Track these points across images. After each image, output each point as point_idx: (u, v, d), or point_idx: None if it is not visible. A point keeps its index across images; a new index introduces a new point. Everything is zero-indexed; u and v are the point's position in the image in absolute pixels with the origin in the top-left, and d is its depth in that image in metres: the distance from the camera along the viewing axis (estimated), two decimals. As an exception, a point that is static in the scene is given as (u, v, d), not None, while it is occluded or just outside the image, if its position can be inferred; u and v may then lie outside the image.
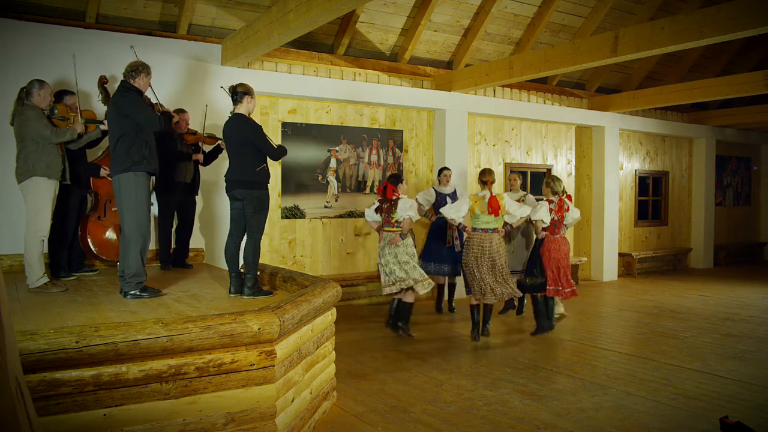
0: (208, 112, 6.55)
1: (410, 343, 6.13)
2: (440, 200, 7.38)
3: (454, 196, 7.42)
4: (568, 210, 6.36)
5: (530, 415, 4.11)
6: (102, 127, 5.25)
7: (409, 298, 6.25)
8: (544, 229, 6.29)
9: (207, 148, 6.42)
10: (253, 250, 4.53)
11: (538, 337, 6.37)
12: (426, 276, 6.15)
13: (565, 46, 7.29)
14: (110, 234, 5.72)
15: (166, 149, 5.92)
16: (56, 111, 5.02)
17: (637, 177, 11.88)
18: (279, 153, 4.71)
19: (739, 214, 14.18)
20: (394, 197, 6.12)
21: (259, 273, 4.68)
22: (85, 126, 5.13)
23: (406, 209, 6.06)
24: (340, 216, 8.24)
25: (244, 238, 4.64)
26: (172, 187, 6.05)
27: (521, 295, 6.57)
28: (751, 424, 3.74)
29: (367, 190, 8.44)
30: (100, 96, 5.62)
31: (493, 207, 5.88)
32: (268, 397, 3.25)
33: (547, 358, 5.61)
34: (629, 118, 11.09)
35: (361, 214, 8.19)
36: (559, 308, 6.77)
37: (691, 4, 9.52)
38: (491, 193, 5.95)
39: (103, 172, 5.58)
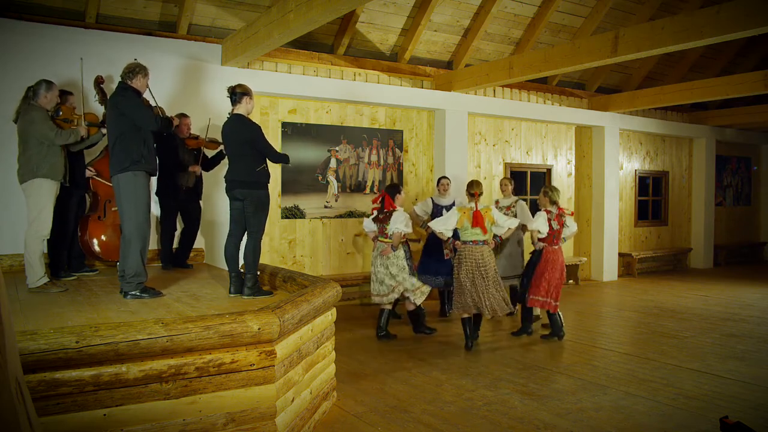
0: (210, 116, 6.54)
1: (410, 343, 6.13)
2: (438, 212, 7.23)
3: (451, 208, 7.30)
4: (570, 215, 6.29)
5: (530, 415, 4.11)
6: (103, 131, 5.24)
7: (409, 306, 6.41)
8: (541, 240, 6.17)
9: (209, 153, 6.42)
10: (254, 249, 4.53)
11: (537, 337, 6.38)
12: (419, 285, 6.20)
13: (565, 46, 7.28)
14: (110, 234, 5.72)
15: (168, 154, 5.92)
16: (60, 112, 5.02)
17: (637, 177, 11.88)
18: (280, 157, 4.71)
19: (739, 214, 14.18)
20: (390, 209, 6.16)
21: (259, 273, 4.68)
22: (87, 130, 5.13)
23: (397, 223, 6.05)
24: (340, 216, 8.24)
25: (244, 238, 4.64)
26: (174, 191, 6.05)
27: (513, 310, 6.49)
28: (751, 424, 3.74)
29: (367, 190, 8.44)
30: (97, 96, 5.62)
31: (477, 221, 5.78)
32: (268, 397, 3.25)
33: (547, 358, 5.61)
34: (629, 118, 11.08)
35: (361, 215, 8.20)
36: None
37: (691, 4, 9.52)
38: (476, 207, 5.84)
39: (89, 173, 5.57)
